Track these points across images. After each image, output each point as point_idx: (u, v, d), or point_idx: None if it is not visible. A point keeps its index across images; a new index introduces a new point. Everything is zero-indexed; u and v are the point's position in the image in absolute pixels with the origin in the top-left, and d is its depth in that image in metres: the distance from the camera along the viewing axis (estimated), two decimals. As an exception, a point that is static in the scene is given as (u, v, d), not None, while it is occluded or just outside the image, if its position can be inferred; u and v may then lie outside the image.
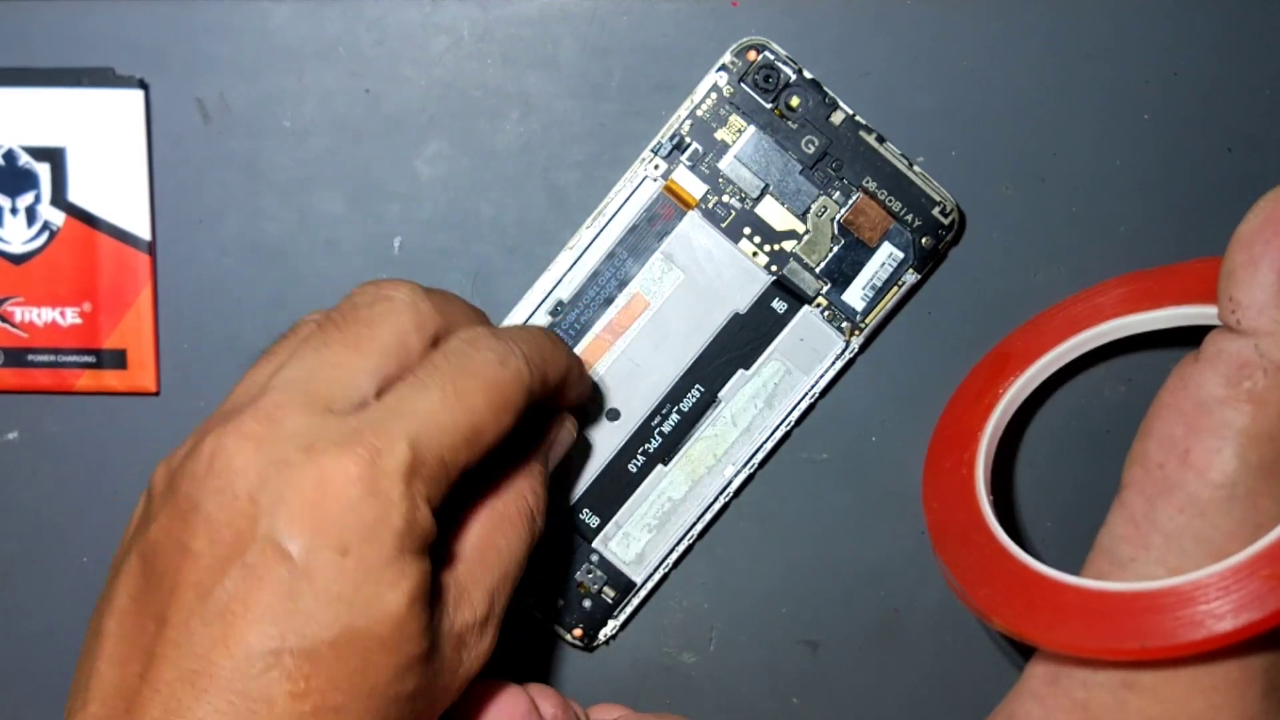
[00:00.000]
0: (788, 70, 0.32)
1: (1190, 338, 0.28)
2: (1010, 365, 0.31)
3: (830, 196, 0.33)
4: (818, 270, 0.33)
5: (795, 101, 0.32)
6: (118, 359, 0.33)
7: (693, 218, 0.33)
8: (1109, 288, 0.31)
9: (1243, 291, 0.25)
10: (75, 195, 0.33)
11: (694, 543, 0.33)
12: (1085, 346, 0.31)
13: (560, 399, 0.29)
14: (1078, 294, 0.32)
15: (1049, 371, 0.31)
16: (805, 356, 0.33)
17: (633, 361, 0.33)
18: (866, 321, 0.33)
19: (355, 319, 0.25)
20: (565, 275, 0.33)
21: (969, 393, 0.32)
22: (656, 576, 0.33)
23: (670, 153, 0.33)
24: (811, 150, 0.32)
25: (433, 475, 0.24)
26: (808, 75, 0.32)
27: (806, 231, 0.33)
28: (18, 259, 0.33)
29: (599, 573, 0.33)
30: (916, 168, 0.32)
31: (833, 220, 0.33)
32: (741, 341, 0.33)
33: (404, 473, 0.23)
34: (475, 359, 0.25)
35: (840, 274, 0.33)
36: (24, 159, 0.33)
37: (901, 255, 0.33)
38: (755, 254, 0.33)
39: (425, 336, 0.26)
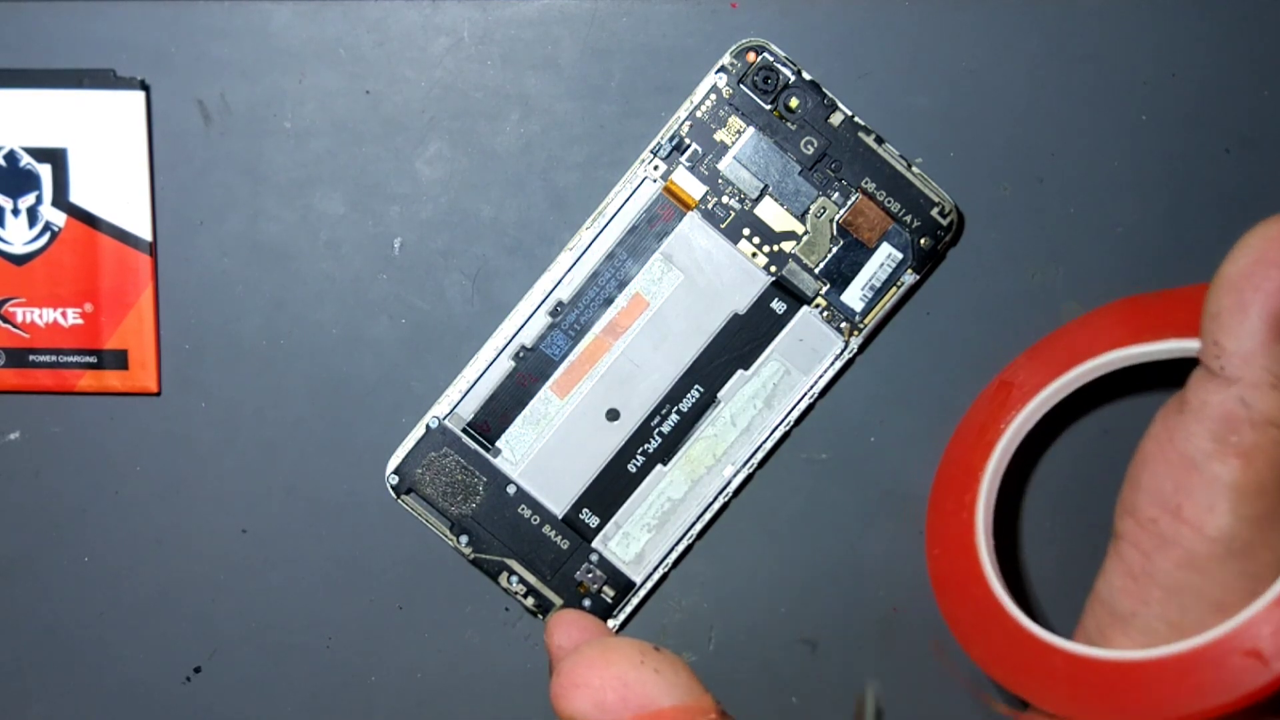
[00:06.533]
0: (787, 71, 0.32)
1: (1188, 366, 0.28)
2: (1011, 399, 0.31)
3: (829, 197, 0.33)
4: (817, 271, 0.33)
5: (794, 103, 0.32)
6: (119, 359, 0.33)
7: (692, 219, 0.33)
8: (1109, 313, 0.31)
9: (1229, 338, 0.24)
10: (76, 196, 0.33)
11: (694, 543, 0.33)
12: (1087, 377, 0.30)
13: None
14: (1079, 319, 0.31)
15: (1051, 404, 0.30)
16: (804, 357, 0.33)
17: (632, 362, 0.33)
18: (865, 322, 0.33)
19: None
20: (565, 276, 0.33)
21: (971, 428, 0.32)
22: (656, 576, 0.33)
23: (670, 154, 0.33)
24: (810, 151, 0.33)
25: None
26: (807, 76, 0.32)
27: (805, 232, 0.33)
28: (19, 260, 0.33)
29: (599, 572, 0.33)
30: (915, 169, 0.33)
31: (832, 221, 0.33)
32: (741, 342, 0.33)
33: None
34: None
35: (839, 274, 0.33)
36: (25, 160, 0.33)
37: (900, 256, 0.33)
38: (754, 255, 0.33)
39: None
